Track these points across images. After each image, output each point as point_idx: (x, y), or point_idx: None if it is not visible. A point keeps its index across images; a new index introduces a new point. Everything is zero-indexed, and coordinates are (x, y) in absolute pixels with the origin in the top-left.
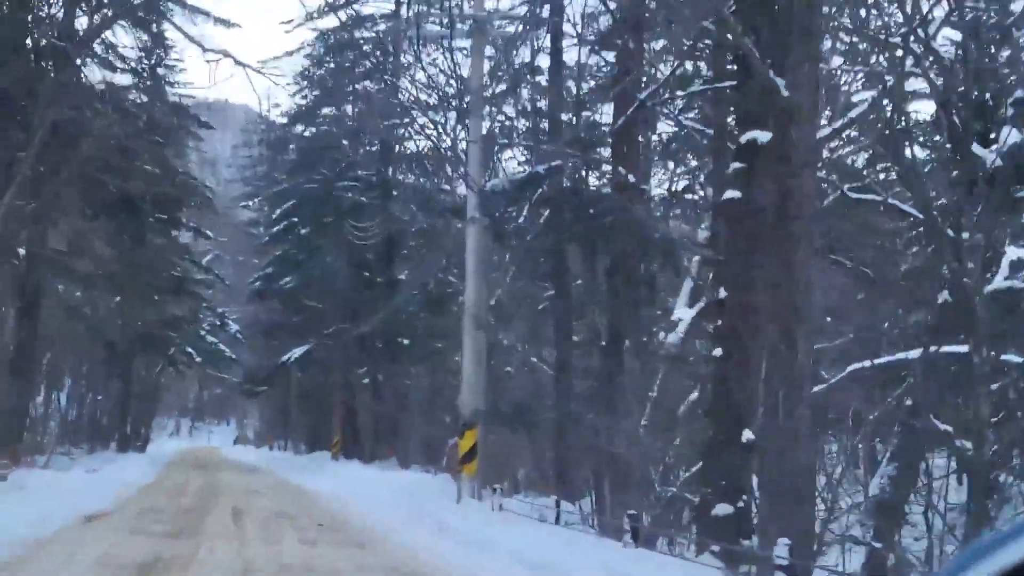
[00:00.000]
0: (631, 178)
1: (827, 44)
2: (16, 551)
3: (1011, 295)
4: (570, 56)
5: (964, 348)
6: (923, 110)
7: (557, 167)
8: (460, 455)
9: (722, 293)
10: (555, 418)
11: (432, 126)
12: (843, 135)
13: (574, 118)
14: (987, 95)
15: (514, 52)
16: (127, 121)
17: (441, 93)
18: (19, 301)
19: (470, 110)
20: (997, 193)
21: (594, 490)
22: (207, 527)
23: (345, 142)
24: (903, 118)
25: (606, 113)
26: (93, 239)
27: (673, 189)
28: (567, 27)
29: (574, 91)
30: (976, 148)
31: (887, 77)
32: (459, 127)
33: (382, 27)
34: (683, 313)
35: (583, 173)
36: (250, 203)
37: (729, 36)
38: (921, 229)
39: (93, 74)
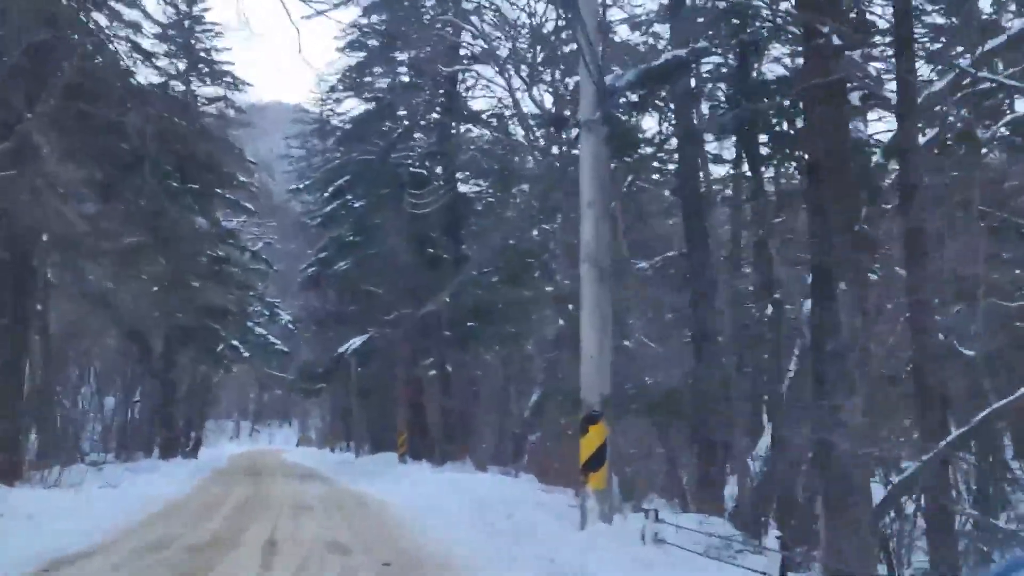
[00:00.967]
0: (835, 39)
1: None
2: None
3: None
4: None
5: None
6: None
7: (702, 49)
8: (582, 460)
9: None
10: (695, 403)
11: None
12: None
13: None
14: None
15: None
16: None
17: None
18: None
19: None
20: None
21: (786, 513)
22: None
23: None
24: None
25: None
26: (88, 193)
27: None
28: None
29: None
30: None
31: None
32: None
33: None
34: None
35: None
36: (301, 185)
37: None
38: None
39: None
